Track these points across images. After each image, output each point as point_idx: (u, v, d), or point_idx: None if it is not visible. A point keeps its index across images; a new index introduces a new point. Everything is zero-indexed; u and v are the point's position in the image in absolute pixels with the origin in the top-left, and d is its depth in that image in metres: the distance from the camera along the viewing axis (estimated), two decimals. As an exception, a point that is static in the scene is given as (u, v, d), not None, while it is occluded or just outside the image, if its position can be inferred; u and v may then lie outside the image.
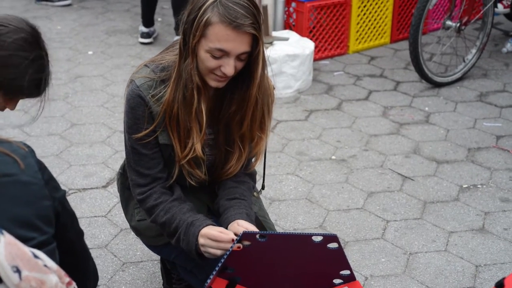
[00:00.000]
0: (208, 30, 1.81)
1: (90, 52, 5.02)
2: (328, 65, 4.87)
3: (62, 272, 1.28)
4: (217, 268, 1.76)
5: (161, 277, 2.59)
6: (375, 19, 5.15)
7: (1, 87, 1.53)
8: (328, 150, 3.65)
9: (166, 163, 2.05)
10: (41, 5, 6.12)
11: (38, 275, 1.20)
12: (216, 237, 1.86)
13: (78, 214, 2.90)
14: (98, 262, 2.67)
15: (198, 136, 1.97)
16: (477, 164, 3.52)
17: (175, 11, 5.00)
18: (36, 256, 1.22)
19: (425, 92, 4.42)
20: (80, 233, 1.63)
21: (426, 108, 4.18)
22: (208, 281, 1.75)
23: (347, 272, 1.88)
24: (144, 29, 5.19)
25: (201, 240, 1.90)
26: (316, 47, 4.79)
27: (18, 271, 1.17)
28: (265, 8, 4.32)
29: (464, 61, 4.61)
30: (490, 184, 3.33)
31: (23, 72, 1.52)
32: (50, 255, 1.32)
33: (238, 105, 1.98)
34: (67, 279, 1.29)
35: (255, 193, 2.26)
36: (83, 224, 2.92)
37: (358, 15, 5.02)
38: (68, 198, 3.12)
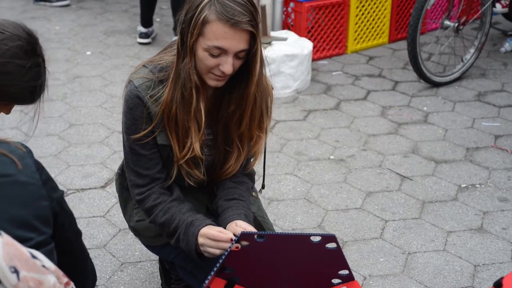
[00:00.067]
0: (205, 28, 1.81)
1: (88, 53, 5.02)
2: (326, 65, 4.87)
3: (60, 273, 1.28)
4: (215, 269, 1.76)
5: (159, 277, 2.59)
6: (373, 19, 5.15)
7: None
8: (327, 150, 3.65)
9: (164, 164, 2.05)
10: (40, 5, 6.12)
11: (36, 275, 1.20)
12: (215, 237, 1.86)
13: (76, 214, 2.90)
14: (96, 262, 2.67)
15: (197, 136, 1.97)
16: (476, 164, 3.52)
17: (174, 12, 5.00)
18: (34, 257, 1.22)
19: (424, 92, 4.42)
20: (78, 233, 1.63)
21: (425, 108, 4.18)
22: (206, 281, 1.75)
23: (345, 272, 1.88)
24: (143, 30, 5.19)
25: (200, 240, 1.90)
26: (314, 47, 4.79)
27: (16, 271, 1.17)
28: (263, 8, 4.32)
29: (462, 60, 4.61)
30: (489, 183, 3.34)
31: (18, 80, 1.50)
32: (48, 255, 1.32)
33: (237, 104, 1.98)
34: (65, 279, 1.29)
35: (253, 193, 2.26)
36: (81, 224, 2.92)
37: (357, 15, 5.02)
38: (67, 198, 3.12)
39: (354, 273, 1.97)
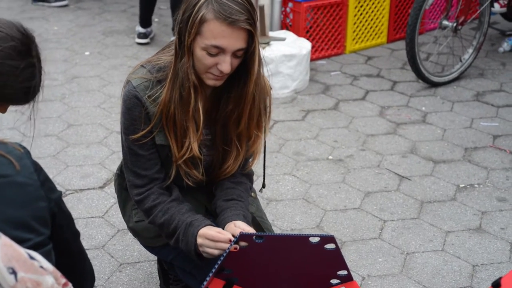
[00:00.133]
0: (203, 27, 1.81)
1: (86, 53, 5.02)
2: (325, 65, 4.87)
3: (58, 273, 1.28)
4: (214, 269, 1.76)
5: (158, 278, 2.58)
6: (371, 19, 5.15)
7: None
8: (325, 150, 3.65)
9: (163, 164, 2.05)
10: (38, 5, 6.11)
11: (34, 276, 1.20)
12: (214, 237, 1.86)
13: (75, 215, 2.90)
14: (95, 263, 2.66)
15: (195, 136, 1.97)
16: (474, 164, 3.52)
17: (173, 12, 5.00)
18: (32, 258, 1.22)
19: (422, 92, 4.42)
20: (77, 234, 1.63)
21: (423, 108, 4.18)
22: (205, 282, 1.75)
23: (344, 272, 1.88)
24: (141, 30, 5.18)
25: (199, 240, 1.90)
26: (313, 47, 4.79)
27: (14, 272, 1.16)
28: (262, 8, 4.32)
29: (460, 60, 4.61)
30: (487, 183, 3.34)
31: (12, 81, 1.48)
32: (46, 256, 1.32)
33: (235, 104, 1.98)
34: (63, 280, 1.29)
35: (252, 194, 2.26)
36: (80, 225, 2.92)
37: (355, 15, 5.02)
38: (65, 199, 3.12)
39: (352, 273, 1.97)
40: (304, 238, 1.77)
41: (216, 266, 1.76)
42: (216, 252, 1.86)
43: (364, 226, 2.98)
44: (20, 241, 1.26)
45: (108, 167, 3.42)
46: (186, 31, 1.83)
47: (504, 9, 4.88)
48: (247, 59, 1.89)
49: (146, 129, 1.97)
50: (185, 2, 1.85)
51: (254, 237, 1.77)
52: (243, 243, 1.77)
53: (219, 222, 2.02)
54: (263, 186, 2.42)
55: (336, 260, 1.84)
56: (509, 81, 4.60)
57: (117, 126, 3.76)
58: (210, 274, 1.76)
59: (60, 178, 3.30)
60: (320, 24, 4.89)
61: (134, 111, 1.96)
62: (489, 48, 5.19)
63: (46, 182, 1.44)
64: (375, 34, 5.23)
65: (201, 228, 1.91)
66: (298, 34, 4.70)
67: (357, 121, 4.00)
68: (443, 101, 4.29)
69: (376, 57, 5.04)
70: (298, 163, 3.51)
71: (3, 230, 1.23)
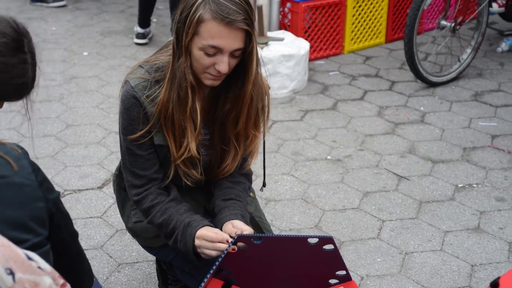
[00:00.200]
0: (200, 27, 1.81)
1: (85, 53, 5.02)
2: (323, 65, 4.87)
3: (56, 274, 1.28)
4: (212, 270, 1.76)
5: (156, 278, 2.58)
6: (370, 19, 5.15)
7: None
8: (324, 150, 3.65)
9: (161, 164, 2.05)
10: (36, 6, 6.11)
11: (31, 277, 1.20)
12: (212, 238, 1.86)
13: (73, 215, 2.90)
14: (93, 263, 2.66)
15: (193, 136, 1.97)
16: (473, 164, 3.52)
17: (172, 13, 4.99)
18: (29, 258, 1.21)
19: (420, 92, 4.42)
20: (75, 234, 1.63)
21: (421, 108, 4.19)
22: (203, 283, 1.75)
23: (343, 272, 1.88)
24: (140, 30, 5.18)
25: (197, 242, 1.90)
26: (311, 47, 4.79)
27: (11, 273, 1.16)
28: (260, 8, 4.32)
29: (459, 60, 4.61)
30: (486, 183, 3.34)
31: (3, 77, 1.45)
32: (44, 256, 1.31)
33: (233, 103, 1.98)
34: (61, 280, 1.28)
35: (251, 194, 2.26)
36: (78, 225, 2.92)
37: (353, 15, 5.02)
38: (64, 199, 3.11)
39: (351, 273, 1.97)
40: (303, 239, 1.77)
41: (215, 267, 1.76)
42: (214, 253, 1.86)
43: (362, 226, 2.98)
44: (18, 242, 1.26)
45: (107, 167, 3.41)
46: (184, 31, 1.83)
47: (502, 9, 4.88)
48: (245, 59, 1.89)
49: (144, 129, 1.97)
50: (183, 1, 1.85)
51: (252, 238, 1.77)
52: (241, 244, 1.77)
53: (217, 221, 2.02)
54: (264, 185, 2.41)
55: (335, 260, 1.84)
56: (507, 81, 4.60)
57: (115, 127, 3.76)
58: (208, 275, 1.76)
59: (58, 179, 3.30)
60: (318, 24, 4.89)
61: (132, 111, 1.96)
62: (487, 48, 5.19)
63: (44, 183, 1.44)
64: (374, 34, 5.23)
65: (199, 229, 1.91)
66: (297, 34, 4.70)
67: (355, 121, 4.00)
68: (441, 101, 4.29)
69: (375, 57, 5.04)
70: (296, 163, 3.51)
71: (0, 231, 1.23)
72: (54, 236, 1.46)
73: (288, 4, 4.85)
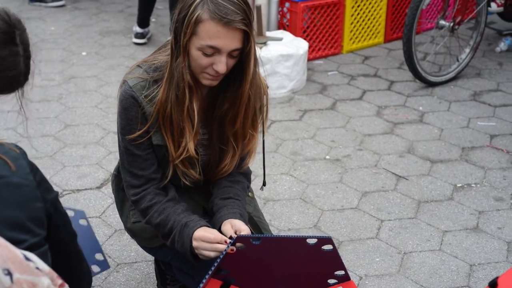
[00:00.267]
0: (198, 28, 1.81)
1: (83, 53, 5.01)
2: (322, 65, 4.87)
3: (55, 274, 1.27)
4: (211, 270, 1.76)
5: (155, 278, 2.58)
6: (368, 19, 5.15)
7: None
8: (322, 150, 3.65)
9: (160, 164, 2.05)
10: (35, 6, 6.10)
11: (29, 277, 1.19)
12: (210, 239, 1.86)
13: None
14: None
15: (191, 135, 1.97)
16: (471, 163, 3.52)
17: (172, 13, 4.99)
18: (27, 259, 1.21)
19: (419, 92, 4.42)
20: (73, 234, 1.63)
21: (420, 108, 4.19)
22: (202, 283, 1.75)
23: (341, 272, 1.88)
24: (139, 30, 5.18)
25: (195, 243, 1.90)
26: (310, 47, 4.79)
27: (9, 273, 1.16)
28: (259, 8, 4.32)
29: (457, 60, 4.61)
30: (484, 183, 3.34)
31: None
32: (42, 257, 1.31)
33: (231, 103, 1.98)
34: (59, 281, 1.28)
35: (249, 194, 2.26)
36: (77, 225, 2.91)
37: (352, 15, 5.02)
38: (62, 199, 3.11)
39: (350, 273, 1.97)
40: (301, 240, 1.77)
41: (213, 268, 1.76)
42: (212, 254, 1.85)
43: (361, 226, 2.98)
44: (16, 242, 1.26)
45: (105, 167, 3.41)
46: (182, 31, 1.83)
47: (501, 9, 4.88)
48: (243, 59, 1.89)
49: (142, 129, 1.96)
50: (181, 1, 1.85)
51: (251, 239, 1.77)
52: (239, 245, 1.77)
53: (215, 220, 2.02)
54: (264, 184, 2.41)
55: (334, 260, 1.84)
56: (506, 81, 4.60)
57: (114, 126, 3.76)
58: (207, 276, 1.76)
59: (57, 179, 3.29)
60: (317, 24, 4.89)
61: (130, 111, 1.96)
62: (486, 47, 5.19)
63: (42, 183, 1.44)
64: (372, 34, 5.23)
65: (196, 229, 1.91)
66: (295, 34, 4.70)
67: (354, 121, 4.00)
68: (440, 101, 4.29)
69: (373, 57, 5.05)
70: (295, 163, 3.51)
71: (-2, 231, 1.23)
72: (52, 236, 1.45)
73: (287, 4, 4.85)
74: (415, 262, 2.74)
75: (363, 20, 5.12)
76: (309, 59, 4.73)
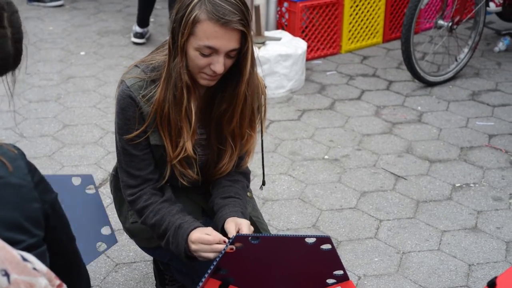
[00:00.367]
0: (196, 28, 1.80)
1: (82, 53, 5.01)
2: (320, 65, 4.87)
3: (52, 275, 1.27)
4: (209, 271, 1.76)
5: (154, 278, 2.58)
6: (367, 19, 5.15)
7: None
8: (321, 149, 3.65)
9: (157, 164, 2.04)
10: (33, 5, 6.10)
11: (27, 278, 1.19)
12: (209, 241, 1.86)
13: (70, 215, 2.89)
14: (91, 263, 2.65)
15: (189, 135, 1.97)
16: (470, 163, 3.52)
17: (171, 13, 4.98)
18: (25, 259, 1.21)
19: (418, 92, 4.42)
20: (72, 238, 1.62)
21: (419, 108, 4.19)
22: (200, 283, 1.75)
23: (340, 272, 1.88)
24: (138, 29, 5.17)
25: (194, 246, 1.89)
26: (308, 47, 4.79)
27: (6, 274, 1.16)
28: (257, 8, 4.32)
29: (456, 60, 4.62)
30: (483, 183, 3.34)
31: None
32: (40, 257, 1.31)
33: (228, 103, 1.98)
34: (57, 281, 1.28)
35: (248, 194, 2.26)
36: (75, 225, 2.91)
37: (351, 15, 5.02)
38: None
39: (348, 273, 1.97)
40: (300, 239, 1.77)
41: (212, 267, 1.76)
42: (212, 255, 1.85)
43: (360, 226, 2.98)
44: (13, 243, 1.26)
45: (104, 167, 3.41)
46: (179, 31, 1.83)
47: (499, 8, 4.89)
48: (240, 59, 1.89)
49: (140, 129, 1.96)
50: (179, 1, 1.85)
51: (250, 238, 1.77)
52: (238, 244, 1.77)
53: (217, 219, 2.01)
54: (263, 183, 2.41)
55: (332, 260, 1.84)
56: (505, 81, 4.61)
57: (112, 126, 3.74)
58: (206, 275, 1.76)
59: (55, 179, 3.29)
60: (315, 23, 4.89)
61: (128, 111, 1.96)
62: (485, 47, 5.19)
63: (40, 184, 1.43)
64: (371, 34, 5.23)
65: (190, 231, 1.91)
66: (294, 34, 4.70)
67: (352, 121, 4.00)
68: (438, 101, 4.29)
69: (372, 56, 5.05)
70: (294, 162, 3.51)
71: (-4, 231, 1.23)
72: (50, 237, 1.45)
73: (286, 4, 4.85)
74: (414, 262, 2.74)
75: (362, 20, 5.12)
76: (307, 59, 4.73)
